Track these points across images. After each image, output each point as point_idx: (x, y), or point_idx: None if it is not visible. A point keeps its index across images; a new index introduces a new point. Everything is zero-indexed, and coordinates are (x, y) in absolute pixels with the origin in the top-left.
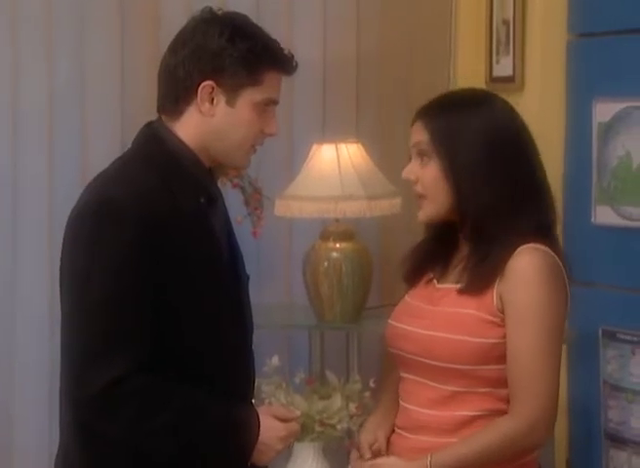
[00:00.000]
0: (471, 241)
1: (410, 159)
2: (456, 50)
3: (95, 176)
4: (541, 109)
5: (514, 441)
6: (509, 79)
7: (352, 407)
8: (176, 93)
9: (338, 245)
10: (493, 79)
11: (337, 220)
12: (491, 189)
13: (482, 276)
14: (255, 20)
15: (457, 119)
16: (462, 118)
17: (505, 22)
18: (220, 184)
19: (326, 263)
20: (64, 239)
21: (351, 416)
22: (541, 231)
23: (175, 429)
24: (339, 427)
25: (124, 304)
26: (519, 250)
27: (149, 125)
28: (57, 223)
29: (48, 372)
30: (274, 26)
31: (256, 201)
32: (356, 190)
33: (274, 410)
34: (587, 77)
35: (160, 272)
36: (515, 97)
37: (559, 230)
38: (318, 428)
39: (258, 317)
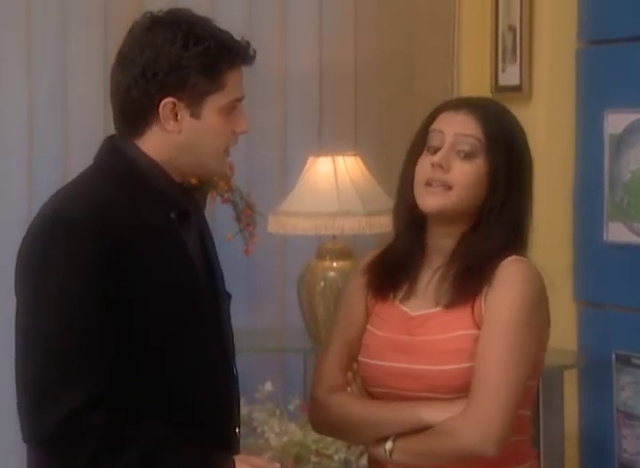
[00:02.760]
0: (457, 251)
1: (419, 145)
2: (459, 58)
3: (54, 193)
4: (550, 120)
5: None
6: (516, 88)
7: None
8: (132, 114)
9: (334, 264)
10: (498, 89)
11: (334, 238)
12: (518, 201)
13: (468, 289)
14: (247, 28)
15: (508, 127)
16: (511, 127)
17: (512, 29)
18: (209, 199)
19: (322, 283)
20: (17, 260)
21: (349, 446)
22: (522, 245)
23: None
24: (335, 458)
25: (80, 332)
26: (507, 260)
27: (111, 138)
28: None
29: None
30: (267, 33)
31: (248, 217)
32: (354, 206)
33: (253, 460)
34: (598, 86)
35: (124, 294)
36: (522, 107)
37: (569, 248)
38: (314, 458)
39: (249, 341)
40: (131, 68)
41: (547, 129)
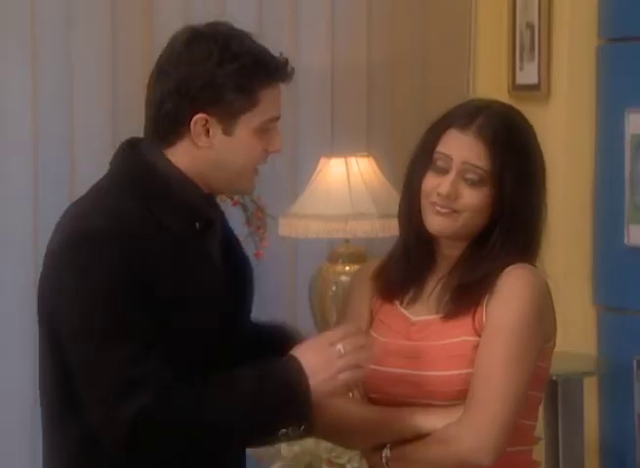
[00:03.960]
0: (460, 263)
1: (426, 160)
2: (475, 56)
3: (73, 203)
4: (569, 120)
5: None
6: (534, 87)
7: None
8: (165, 127)
9: (347, 268)
10: (516, 87)
11: (346, 241)
12: (529, 223)
13: (468, 301)
14: (257, 26)
15: (520, 145)
16: (522, 143)
17: (530, 26)
18: (219, 201)
19: (334, 288)
20: (43, 276)
21: (362, 456)
22: (532, 253)
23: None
24: (349, 467)
25: (122, 334)
26: (510, 268)
27: (129, 144)
28: (42, 234)
29: (30, 406)
30: (278, 32)
31: (258, 220)
32: (367, 208)
33: (310, 343)
34: (619, 85)
35: (151, 308)
36: (541, 106)
37: (588, 251)
38: None
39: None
40: (166, 82)
41: (566, 129)
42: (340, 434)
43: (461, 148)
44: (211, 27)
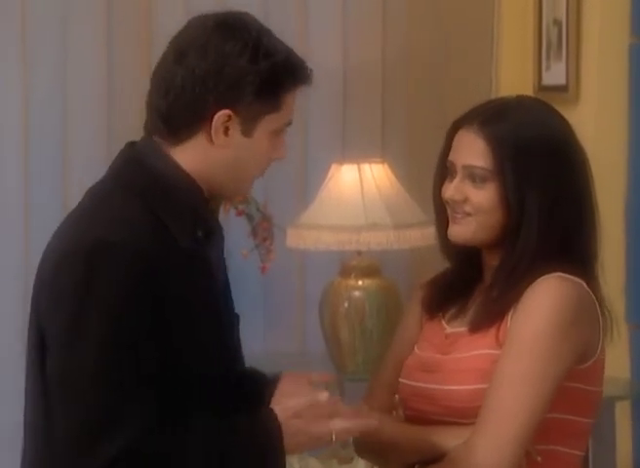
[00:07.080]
0: (500, 270)
1: (442, 170)
2: (499, 54)
3: (73, 211)
4: (599, 124)
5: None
6: (562, 88)
7: None
8: (180, 117)
9: (360, 282)
10: (542, 88)
11: (359, 253)
12: (555, 217)
13: (494, 312)
14: (263, 21)
15: (526, 142)
16: (530, 140)
17: (557, 23)
18: (222, 211)
19: (346, 304)
20: (43, 286)
21: None
22: (578, 261)
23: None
24: None
25: (127, 363)
26: (543, 277)
27: (132, 146)
28: (34, 238)
29: None
30: (286, 27)
31: (264, 231)
32: (382, 218)
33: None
34: None
35: (163, 322)
36: (568, 109)
37: (621, 265)
38: None
39: (266, 366)
40: (189, 70)
41: (596, 133)
42: (372, 453)
43: (461, 151)
44: (238, 18)
